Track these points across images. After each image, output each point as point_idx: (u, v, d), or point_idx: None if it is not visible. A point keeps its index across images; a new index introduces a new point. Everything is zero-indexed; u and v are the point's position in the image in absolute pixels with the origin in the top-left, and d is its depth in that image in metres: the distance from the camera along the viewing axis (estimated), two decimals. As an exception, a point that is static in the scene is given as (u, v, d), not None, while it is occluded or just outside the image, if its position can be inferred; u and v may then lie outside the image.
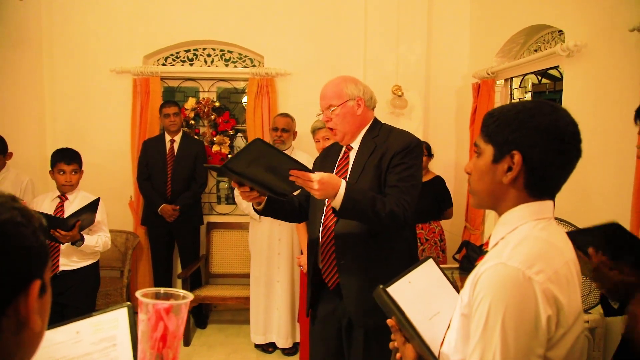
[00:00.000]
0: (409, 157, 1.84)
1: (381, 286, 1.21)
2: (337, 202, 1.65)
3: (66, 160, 2.88)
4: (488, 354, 0.90)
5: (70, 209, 2.87)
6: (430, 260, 1.36)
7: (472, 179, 1.09)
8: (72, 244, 2.75)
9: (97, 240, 2.90)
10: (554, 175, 1.00)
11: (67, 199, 2.92)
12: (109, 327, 0.92)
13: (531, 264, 0.91)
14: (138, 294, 0.79)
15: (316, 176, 1.60)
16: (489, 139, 1.04)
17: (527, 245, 0.95)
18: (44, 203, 2.89)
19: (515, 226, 1.00)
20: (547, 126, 0.98)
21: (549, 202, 1.02)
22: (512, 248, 0.95)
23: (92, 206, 2.75)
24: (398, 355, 1.20)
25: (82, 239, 2.79)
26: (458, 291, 1.30)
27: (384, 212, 1.72)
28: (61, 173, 2.87)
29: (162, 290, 0.80)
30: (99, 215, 2.90)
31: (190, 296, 0.81)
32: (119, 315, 0.95)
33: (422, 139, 3.73)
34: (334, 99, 1.90)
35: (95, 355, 0.89)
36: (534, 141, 0.97)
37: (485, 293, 0.92)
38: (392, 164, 1.83)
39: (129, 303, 0.98)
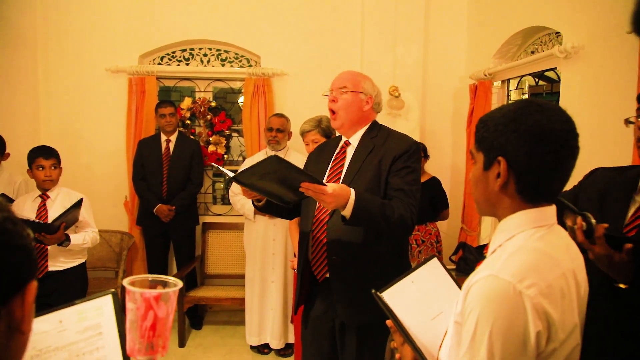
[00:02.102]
0: (411, 160, 1.86)
1: (374, 290, 1.20)
2: (347, 212, 1.66)
3: (44, 155, 2.82)
4: None
5: (53, 207, 2.83)
6: (435, 260, 1.35)
7: (471, 187, 1.08)
8: (59, 244, 2.73)
9: (84, 237, 2.87)
10: (546, 178, 0.95)
11: (48, 197, 2.87)
12: (93, 315, 0.89)
13: (523, 277, 0.88)
14: (125, 282, 0.77)
15: (329, 189, 1.59)
16: (479, 146, 1.02)
17: (520, 256, 0.92)
18: (26, 204, 2.84)
19: (512, 234, 0.97)
20: (530, 128, 0.93)
21: (550, 208, 0.99)
22: (505, 259, 0.92)
23: (76, 206, 2.72)
24: (397, 355, 1.20)
25: (68, 239, 2.76)
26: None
27: (393, 217, 1.72)
28: (40, 169, 2.82)
29: (150, 277, 0.78)
30: (85, 213, 2.87)
31: (179, 283, 0.79)
32: (104, 303, 0.93)
33: (418, 140, 3.74)
34: (349, 82, 1.93)
35: (81, 345, 0.86)
36: (517, 145, 0.94)
37: (475, 305, 0.90)
38: (394, 167, 1.84)
39: (113, 290, 0.95)
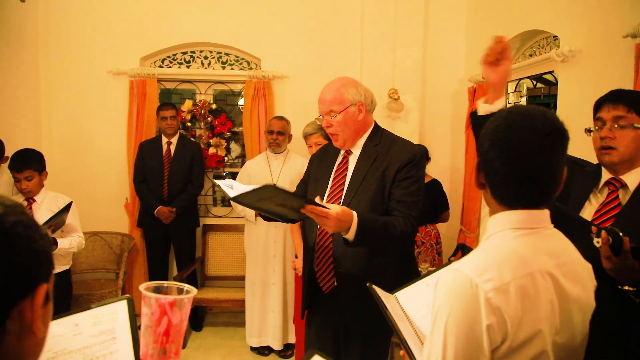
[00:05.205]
0: (415, 169, 1.82)
1: (368, 284, 1.23)
2: (350, 235, 1.63)
3: (16, 168, 2.76)
4: (432, 356, 0.92)
5: (39, 211, 2.81)
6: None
7: None
8: None
9: (70, 242, 2.86)
10: (509, 182, 0.97)
11: (34, 201, 2.86)
12: (108, 319, 0.91)
13: (482, 272, 0.90)
14: (141, 287, 0.79)
15: (332, 212, 1.55)
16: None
17: (485, 253, 0.96)
18: None
19: (490, 233, 1.00)
20: (490, 133, 0.99)
21: (539, 212, 0.99)
22: (471, 255, 0.96)
23: (64, 210, 2.69)
24: (401, 352, 1.22)
25: (55, 243, 2.75)
26: None
27: (396, 235, 1.71)
28: (16, 181, 2.78)
29: (165, 284, 0.80)
30: (71, 218, 2.85)
31: (194, 290, 0.80)
32: (119, 308, 0.94)
33: (418, 143, 3.78)
34: (334, 104, 1.85)
35: (95, 348, 0.88)
36: (483, 149, 0.99)
37: (437, 297, 0.94)
38: (398, 178, 1.80)
39: (128, 295, 0.97)
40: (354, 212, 1.62)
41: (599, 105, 1.58)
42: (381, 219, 1.73)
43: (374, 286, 1.24)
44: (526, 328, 0.91)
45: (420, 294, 1.29)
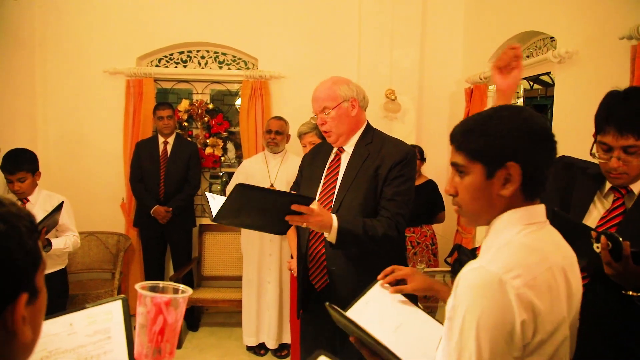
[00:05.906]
0: (407, 169, 1.85)
1: (327, 304, 1.23)
2: (332, 237, 1.68)
3: (8, 169, 2.74)
4: (464, 358, 0.91)
5: (33, 211, 2.70)
6: (379, 284, 1.43)
7: (461, 200, 1.06)
8: None
9: (65, 241, 2.84)
10: (546, 174, 1.01)
11: (28, 201, 2.83)
12: (103, 319, 0.91)
13: (509, 269, 0.90)
14: (137, 286, 0.79)
15: (316, 207, 1.62)
16: (475, 157, 1.01)
17: (507, 250, 0.95)
18: None
19: (503, 232, 1.00)
20: (532, 129, 0.98)
21: (539, 207, 1.02)
22: (493, 253, 0.95)
23: (56, 210, 2.67)
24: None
25: (50, 244, 2.72)
26: (414, 302, 1.39)
27: (377, 237, 1.75)
28: (9, 182, 2.77)
29: (160, 284, 0.80)
30: (66, 217, 2.83)
31: (189, 290, 0.80)
32: (113, 308, 0.94)
33: (415, 143, 3.78)
34: (327, 101, 1.88)
35: (89, 348, 0.88)
36: (527, 147, 0.97)
37: (463, 297, 0.92)
38: (390, 176, 1.83)
39: (123, 295, 0.97)
40: (334, 215, 1.69)
41: (603, 126, 1.46)
42: (361, 221, 1.77)
43: (333, 306, 1.24)
44: (553, 319, 0.93)
45: (364, 312, 1.32)
